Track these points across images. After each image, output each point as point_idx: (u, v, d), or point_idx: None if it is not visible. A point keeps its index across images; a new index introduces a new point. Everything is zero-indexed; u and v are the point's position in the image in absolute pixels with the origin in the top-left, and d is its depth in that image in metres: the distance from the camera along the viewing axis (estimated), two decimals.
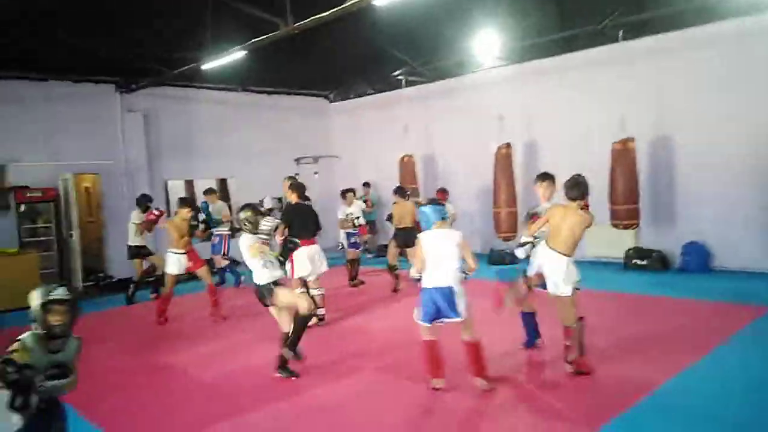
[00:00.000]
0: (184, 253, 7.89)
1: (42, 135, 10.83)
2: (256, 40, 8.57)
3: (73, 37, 9.05)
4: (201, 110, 13.15)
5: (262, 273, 5.54)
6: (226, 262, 10.27)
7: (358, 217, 9.95)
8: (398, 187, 10.07)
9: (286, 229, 7.26)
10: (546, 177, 5.91)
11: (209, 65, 9.56)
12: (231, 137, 13.57)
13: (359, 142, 14.88)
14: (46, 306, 3.01)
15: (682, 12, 8.92)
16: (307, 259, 7.33)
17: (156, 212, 9.38)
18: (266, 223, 5.92)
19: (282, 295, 5.54)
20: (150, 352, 6.91)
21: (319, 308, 7.26)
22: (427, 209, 5.06)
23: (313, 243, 7.43)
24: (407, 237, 8.72)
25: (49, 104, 10.92)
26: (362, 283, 10.01)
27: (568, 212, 5.02)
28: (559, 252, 5.03)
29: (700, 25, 9.01)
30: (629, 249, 9.88)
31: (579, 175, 5.15)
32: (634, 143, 9.11)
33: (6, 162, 10.36)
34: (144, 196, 9.87)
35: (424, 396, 4.98)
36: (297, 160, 14.63)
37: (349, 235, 10.01)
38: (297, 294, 5.87)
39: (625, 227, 9.19)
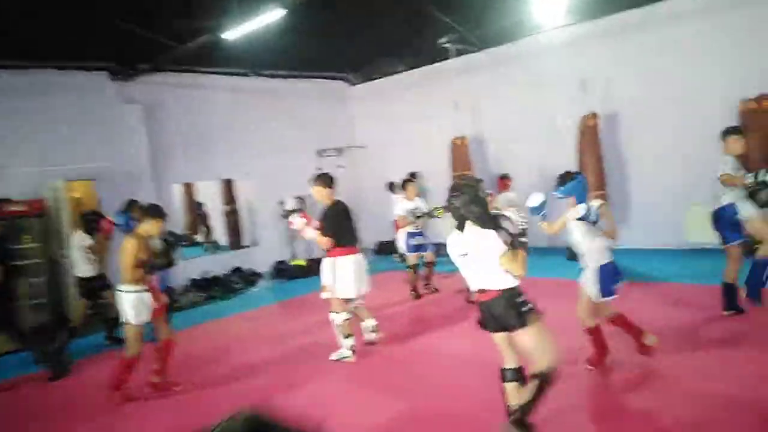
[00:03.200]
0: None
1: (24, 135, 8.80)
2: None
3: (55, 12, 7.13)
4: (209, 100, 11.17)
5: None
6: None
7: (420, 215, 8.11)
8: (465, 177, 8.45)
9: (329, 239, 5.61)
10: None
11: (234, 33, 7.65)
12: (244, 131, 11.63)
13: (388, 128, 12.98)
14: None
15: None
16: (355, 274, 5.67)
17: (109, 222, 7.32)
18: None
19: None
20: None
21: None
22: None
23: (357, 252, 5.80)
24: None
25: (30, 98, 8.89)
26: (435, 291, 8.32)
27: None
28: None
29: None
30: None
31: None
32: None
33: None
34: (93, 213, 7.68)
35: None
36: (320, 153, 12.83)
37: (410, 236, 8.18)
38: (542, 338, 3.52)
39: (763, 206, 7.46)
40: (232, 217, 12.67)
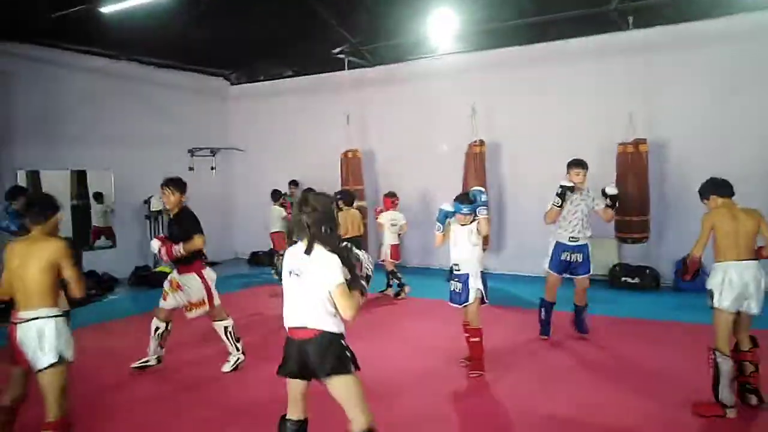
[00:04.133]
0: None
1: None
2: None
3: None
4: (69, 79, 9.89)
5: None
6: None
7: None
8: (344, 191, 8.35)
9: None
10: (583, 164, 5.95)
11: (114, 7, 6.80)
12: (107, 119, 10.47)
13: (270, 133, 12.43)
14: None
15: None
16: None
17: None
18: None
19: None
20: None
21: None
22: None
23: None
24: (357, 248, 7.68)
25: None
26: None
27: (734, 213, 4.23)
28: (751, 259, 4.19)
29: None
30: (615, 265, 8.80)
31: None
32: (647, 146, 8.00)
33: None
34: None
35: None
36: (191, 152, 11.95)
37: None
38: (358, 392, 3.07)
39: (634, 241, 8.08)
40: (82, 214, 11.28)
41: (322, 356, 2.95)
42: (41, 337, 3.39)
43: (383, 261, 8.52)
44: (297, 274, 2.99)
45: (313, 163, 11.33)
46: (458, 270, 5.15)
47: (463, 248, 5.12)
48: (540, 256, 9.38)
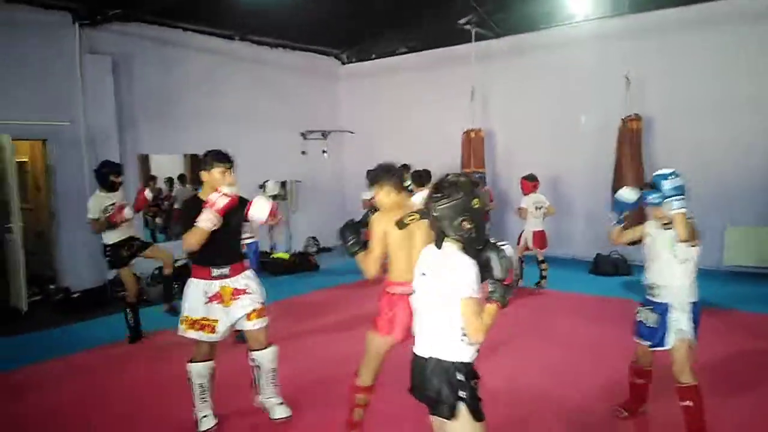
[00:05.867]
0: None
1: None
2: None
3: None
4: (185, 61, 9.61)
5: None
6: None
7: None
8: (416, 172, 7.32)
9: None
10: None
11: None
12: (219, 102, 10.11)
13: (381, 114, 11.81)
14: None
15: None
16: None
17: (147, 194, 6.20)
18: None
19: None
20: None
21: None
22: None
23: None
24: None
25: None
26: None
27: None
28: None
29: None
30: None
31: None
32: None
33: None
34: (107, 164, 6.09)
35: None
36: (304, 135, 11.53)
37: None
38: None
39: None
40: None
41: (423, 384, 2.39)
42: None
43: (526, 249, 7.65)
44: (423, 274, 2.46)
45: (429, 146, 10.50)
46: (652, 296, 3.62)
47: (664, 265, 3.55)
48: (712, 246, 8.29)
